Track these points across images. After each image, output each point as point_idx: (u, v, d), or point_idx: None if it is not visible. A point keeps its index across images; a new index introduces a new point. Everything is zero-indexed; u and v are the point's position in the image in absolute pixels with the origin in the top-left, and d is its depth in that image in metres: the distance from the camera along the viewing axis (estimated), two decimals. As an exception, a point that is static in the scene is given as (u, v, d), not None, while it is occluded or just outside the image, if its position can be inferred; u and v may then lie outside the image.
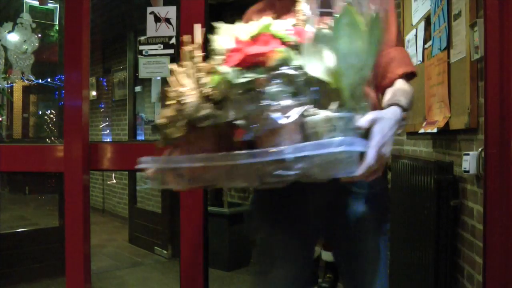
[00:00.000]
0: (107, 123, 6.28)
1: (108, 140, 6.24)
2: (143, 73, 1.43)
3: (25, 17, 1.26)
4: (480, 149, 1.76)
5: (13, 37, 1.26)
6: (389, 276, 3.08)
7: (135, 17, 4.72)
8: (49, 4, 3.71)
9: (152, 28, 1.28)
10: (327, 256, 3.21)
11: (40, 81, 6.71)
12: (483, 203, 1.07)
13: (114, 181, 5.93)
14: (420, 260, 2.23)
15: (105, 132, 6.37)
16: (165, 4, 1.31)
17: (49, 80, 6.57)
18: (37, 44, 1.28)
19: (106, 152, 0.94)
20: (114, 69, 5.89)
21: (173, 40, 1.29)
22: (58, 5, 3.71)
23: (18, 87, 7.78)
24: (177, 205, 4.29)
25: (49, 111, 7.97)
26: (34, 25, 1.26)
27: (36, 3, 3.66)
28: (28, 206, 6.53)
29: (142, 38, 1.33)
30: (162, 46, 1.31)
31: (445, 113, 2.11)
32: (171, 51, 1.32)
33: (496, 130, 0.99)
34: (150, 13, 1.26)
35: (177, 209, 4.33)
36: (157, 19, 1.26)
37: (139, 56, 1.35)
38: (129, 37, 4.89)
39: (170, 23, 1.26)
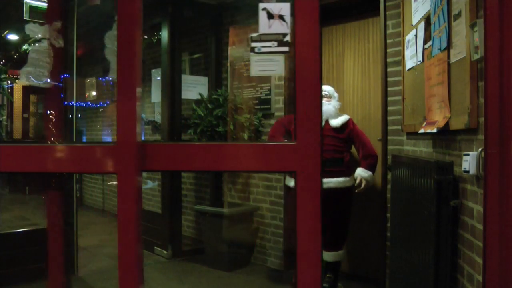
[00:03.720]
0: (107, 123, 6.28)
1: (109, 140, 6.24)
2: (254, 71, 1.40)
3: None
4: (480, 149, 1.76)
5: (112, 35, 1.24)
6: (389, 276, 3.09)
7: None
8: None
9: (264, 25, 1.24)
10: (327, 256, 3.21)
11: (40, 82, 6.69)
12: (483, 203, 1.08)
13: (115, 182, 5.93)
14: (420, 260, 2.23)
15: (105, 132, 6.37)
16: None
17: (48, 80, 6.55)
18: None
19: (157, 152, 0.93)
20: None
21: (288, 38, 1.25)
22: (58, 5, 3.71)
23: (18, 87, 7.80)
24: (177, 206, 4.29)
25: (48, 112, 7.97)
26: None
27: (36, 3, 3.66)
28: (28, 206, 6.54)
29: (254, 34, 1.29)
30: (276, 43, 1.27)
31: (445, 113, 2.12)
32: (286, 48, 1.28)
33: (496, 130, 0.99)
34: (263, 9, 1.23)
35: (177, 210, 4.33)
36: (270, 15, 1.23)
37: (251, 53, 1.31)
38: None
39: (284, 20, 1.23)
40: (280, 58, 1.39)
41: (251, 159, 0.93)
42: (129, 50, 0.90)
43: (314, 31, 0.87)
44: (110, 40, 1.23)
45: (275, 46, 1.26)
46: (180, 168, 0.94)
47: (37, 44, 1.25)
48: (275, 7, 1.21)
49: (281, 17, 1.22)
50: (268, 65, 1.39)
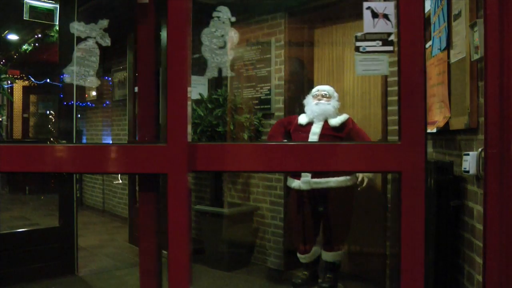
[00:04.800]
0: (107, 123, 6.28)
1: (109, 140, 6.24)
2: (359, 70, 1.38)
3: (223, 10, 1.21)
4: (480, 149, 1.76)
5: (209, 32, 1.21)
6: (389, 275, 3.08)
7: (135, 17, 4.72)
8: (49, 4, 3.71)
9: (369, 24, 1.22)
10: (327, 256, 3.21)
11: (40, 82, 6.70)
12: (483, 203, 1.08)
13: (120, 181, 5.91)
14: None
15: (105, 132, 6.37)
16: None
17: (48, 80, 6.57)
18: (236, 39, 1.24)
19: (206, 153, 0.91)
20: (114, 69, 5.90)
21: (392, 37, 1.24)
22: (58, 5, 3.71)
23: (18, 87, 7.81)
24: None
25: (48, 112, 7.98)
26: (233, 19, 1.21)
27: (36, 3, 3.66)
28: (28, 206, 6.54)
29: (359, 34, 1.27)
30: (380, 42, 1.26)
31: (445, 113, 2.12)
32: (390, 48, 1.26)
33: (496, 130, 0.99)
34: (367, 8, 1.22)
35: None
36: (375, 14, 1.21)
37: (356, 52, 1.29)
38: (129, 37, 4.88)
39: (388, 19, 1.21)
40: (385, 58, 1.37)
41: (354, 160, 0.91)
42: (180, 49, 0.88)
43: (418, 31, 0.86)
44: (208, 38, 1.20)
45: (380, 46, 1.25)
46: (237, 169, 0.93)
47: (82, 43, 1.24)
48: (379, 6, 1.20)
49: (385, 16, 1.20)
50: (372, 64, 1.37)
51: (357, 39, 1.26)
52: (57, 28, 3.83)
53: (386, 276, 3.10)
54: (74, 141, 3.64)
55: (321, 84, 3.64)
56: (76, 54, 1.24)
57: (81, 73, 1.27)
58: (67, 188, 3.71)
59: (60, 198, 3.72)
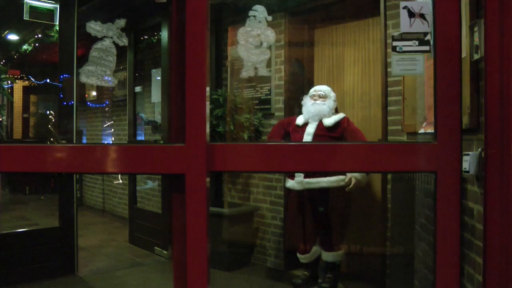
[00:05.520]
0: (107, 123, 6.28)
1: (109, 140, 6.24)
2: (396, 70, 1.36)
3: (260, 9, 1.20)
4: (480, 149, 1.76)
5: (244, 31, 1.20)
6: (390, 275, 3.09)
7: (135, 17, 4.72)
8: (49, 4, 3.71)
9: (406, 24, 1.21)
10: (326, 256, 3.21)
11: (40, 82, 6.70)
12: (483, 203, 1.08)
13: (120, 181, 5.91)
14: (420, 260, 2.23)
15: (105, 132, 6.37)
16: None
17: (48, 80, 6.57)
18: (272, 38, 1.23)
19: (225, 153, 0.90)
20: (114, 69, 5.90)
21: (428, 37, 1.23)
22: (58, 5, 3.71)
23: (18, 87, 7.80)
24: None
25: (47, 112, 7.98)
26: (269, 18, 1.21)
27: (36, 3, 3.66)
28: (28, 206, 6.53)
29: (396, 33, 1.26)
30: (417, 42, 1.25)
31: (445, 113, 2.12)
32: (427, 47, 1.25)
33: (496, 130, 0.99)
34: (404, 8, 1.21)
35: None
36: (411, 14, 1.21)
37: (393, 52, 1.27)
38: (129, 37, 4.88)
39: (424, 19, 1.21)
40: (421, 58, 1.36)
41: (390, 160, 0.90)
42: (199, 49, 0.87)
43: (454, 31, 0.86)
44: (243, 37, 1.19)
45: (416, 45, 1.24)
46: (257, 169, 0.92)
47: (99, 43, 1.23)
48: (416, 6, 1.19)
49: (422, 16, 1.19)
50: (409, 64, 1.36)
51: (394, 39, 1.25)
52: (57, 28, 3.83)
53: (386, 276, 3.09)
54: (74, 141, 3.64)
55: (321, 84, 3.64)
56: (93, 53, 1.24)
57: (98, 73, 1.26)
58: (67, 188, 3.71)
59: (60, 198, 3.71)
